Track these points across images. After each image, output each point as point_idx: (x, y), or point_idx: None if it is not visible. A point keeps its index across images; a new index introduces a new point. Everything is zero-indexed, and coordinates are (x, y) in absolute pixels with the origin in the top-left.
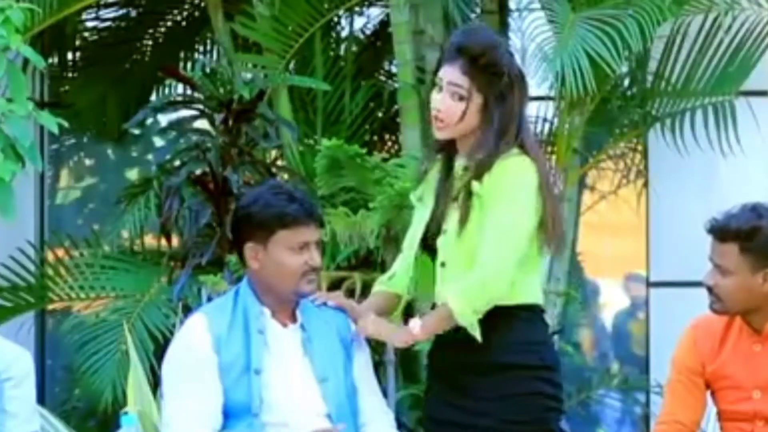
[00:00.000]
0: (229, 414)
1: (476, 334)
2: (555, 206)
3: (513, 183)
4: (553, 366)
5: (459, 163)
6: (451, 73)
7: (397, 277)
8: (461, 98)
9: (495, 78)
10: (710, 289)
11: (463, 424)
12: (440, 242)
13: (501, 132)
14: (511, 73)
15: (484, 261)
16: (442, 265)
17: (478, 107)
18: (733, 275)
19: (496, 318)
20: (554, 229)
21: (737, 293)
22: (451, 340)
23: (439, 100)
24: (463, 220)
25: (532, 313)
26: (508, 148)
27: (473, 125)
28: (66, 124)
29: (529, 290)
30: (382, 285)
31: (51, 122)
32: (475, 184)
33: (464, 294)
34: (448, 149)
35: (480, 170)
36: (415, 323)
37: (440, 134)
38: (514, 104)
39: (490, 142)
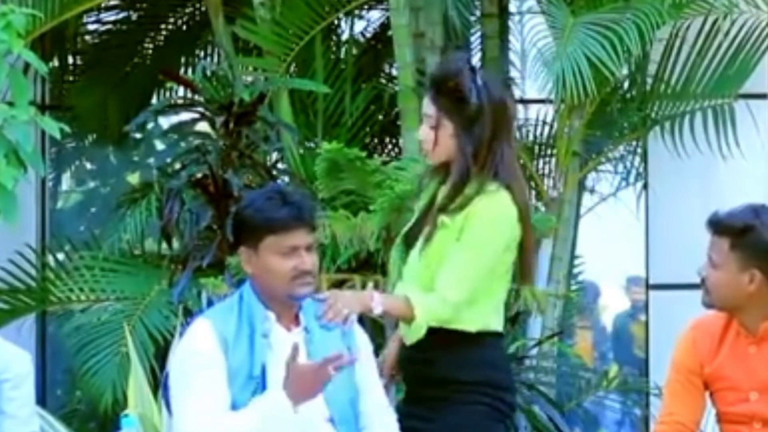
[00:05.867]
0: None
1: (412, 340)
2: (531, 241)
3: (488, 224)
4: (498, 385)
5: (444, 188)
6: (425, 103)
7: None
8: (432, 127)
9: (460, 105)
10: (703, 281)
11: (419, 429)
12: (410, 255)
13: (472, 160)
14: (482, 101)
15: (450, 285)
16: (402, 277)
17: (451, 134)
18: (721, 269)
19: (450, 338)
20: (527, 263)
21: (723, 288)
22: (410, 356)
23: (420, 128)
24: (426, 243)
25: (483, 336)
26: (482, 178)
27: (451, 152)
28: (67, 128)
29: (480, 318)
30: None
31: (53, 127)
32: (443, 218)
33: (429, 311)
34: (446, 167)
35: (449, 204)
36: (377, 299)
37: (429, 160)
38: (485, 131)
39: (460, 171)
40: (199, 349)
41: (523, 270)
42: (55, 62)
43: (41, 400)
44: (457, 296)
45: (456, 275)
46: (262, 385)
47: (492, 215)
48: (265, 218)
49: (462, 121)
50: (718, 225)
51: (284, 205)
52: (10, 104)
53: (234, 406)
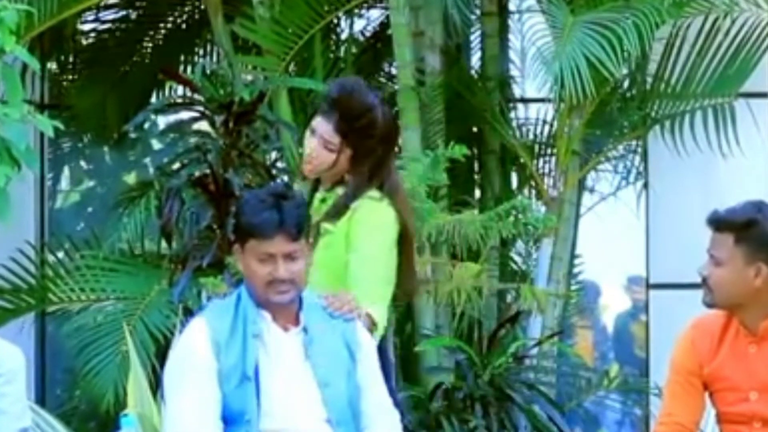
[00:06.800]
0: (228, 420)
1: None
2: (411, 249)
3: (375, 231)
4: None
5: (318, 195)
6: (324, 128)
7: None
8: (332, 150)
9: (366, 137)
10: (704, 280)
11: None
12: None
13: (369, 178)
14: (382, 128)
15: (372, 296)
16: None
17: (348, 156)
18: (726, 266)
19: None
20: (406, 269)
21: (727, 285)
22: None
23: (312, 147)
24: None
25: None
26: (369, 188)
27: (343, 169)
28: (62, 126)
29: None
30: None
31: (47, 125)
32: (325, 225)
33: (381, 321)
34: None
35: (335, 212)
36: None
37: (308, 174)
38: (384, 153)
39: (356, 187)
40: (191, 349)
41: (402, 276)
42: (54, 62)
43: (40, 399)
44: (382, 305)
45: (371, 287)
46: (256, 386)
47: (376, 221)
48: (247, 222)
49: (364, 149)
50: (719, 222)
51: (269, 210)
52: (4, 103)
53: (229, 406)
